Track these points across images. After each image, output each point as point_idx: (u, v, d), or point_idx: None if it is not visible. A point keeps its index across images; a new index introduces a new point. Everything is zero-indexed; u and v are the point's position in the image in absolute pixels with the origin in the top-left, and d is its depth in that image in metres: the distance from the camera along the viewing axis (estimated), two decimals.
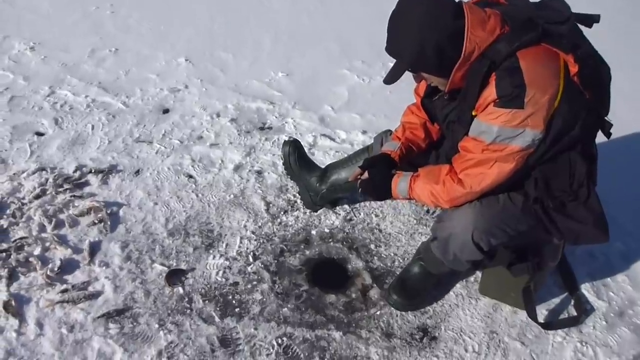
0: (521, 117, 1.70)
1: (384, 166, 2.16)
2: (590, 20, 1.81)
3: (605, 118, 1.88)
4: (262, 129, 3.30)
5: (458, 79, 1.79)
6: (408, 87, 2.20)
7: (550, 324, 2.21)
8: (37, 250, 2.42)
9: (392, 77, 1.84)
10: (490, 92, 1.73)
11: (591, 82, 1.74)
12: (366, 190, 2.20)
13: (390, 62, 1.86)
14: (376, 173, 2.15)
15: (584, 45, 1.77)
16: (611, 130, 1.88)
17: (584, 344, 2.15)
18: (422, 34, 1.72)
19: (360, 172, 2.22)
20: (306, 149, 3.05)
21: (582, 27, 1.83)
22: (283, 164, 2.71)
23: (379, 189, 2.13)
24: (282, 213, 2.70)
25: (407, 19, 1.75)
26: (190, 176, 2.90)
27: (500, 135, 1.74)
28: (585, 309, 2.27)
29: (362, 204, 2.76)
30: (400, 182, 2.06)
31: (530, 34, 1.70)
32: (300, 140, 2.72)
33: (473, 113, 1.81)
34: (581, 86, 1.72)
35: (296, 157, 2.65)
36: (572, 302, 2.30)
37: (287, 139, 2.93)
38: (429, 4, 1.72)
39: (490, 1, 1.86)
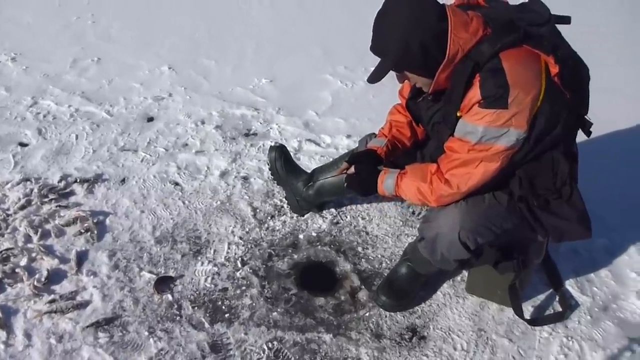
0: (505, 117, 1.73)
1: (370, 162, 2.19)
2: (565, 20, 1.85)
3: (585, 117, 1.92)
4: (247, 135, 3.32)
5: (442, 80, 1.82)
6: (391, 91, 2.23)
7: (537, 320, 2.24)
8: (23, 261, 2.41)
9: (376, 76, 1.85)
10: (475, 93, 1.76)
11: (571, 83, 1.77)
12: (352, 185, 2.21)
13: (372, 67, 1.88)
14: (363, 168, 2.18)
15: (564, 46, 1.81)
16: (591, 129, 1.93)
17: (569, 338, 2.19)
18: (407, 33, 1.74)
19: (347, 166, 2.25)
20: (292, 154, 3.07)
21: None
22: (269, 169, 2.72)
23: (366, 184, 2.16)
24: (269, 218, 2.71)
25: (393, 19, 1.77)
26: (177, 184, 2.90)
27: (485, 135, 1.77)
28: (570, 305, 2.31)
29: (349, 207, 2.78)
30: (387, 178, 2.07)
31: (512, 35, 1.73)
32: (285, 146, 2.74)
33: (458, 114, 1.84)
34: (562, 86, 1.75)
35: (282, 162, 2.66)
36: (557, 298, 2.34)
37: (272, 144, 2.94)
38: (415, 5, 1.75)
39: (471, 3, 1.90)
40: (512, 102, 1.71)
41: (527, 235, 2.05)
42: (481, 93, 1.74)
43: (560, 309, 2.29)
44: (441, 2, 1.81)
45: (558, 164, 1.87)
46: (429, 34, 1.73)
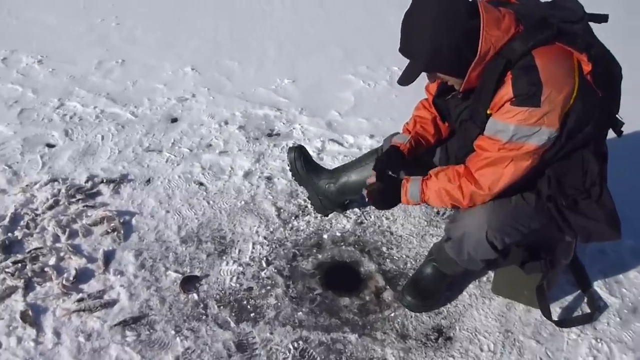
0: (537, 115, 1.70)
1: (389, 177, 2.13)
2: (601, 18, 1.83)
3: (617, 116, 1.89)
4: (270, 135, 3.33)
5: (473, 79, 1.80)
6: (414, 91, 2.20)
7: (565, 322, 2.22)
8: (52, 260, 2.44)
9: (407, 79, 1.84)
10: (507, 91, 1.73)
11: (603, 81, 1.74)
12: (375, 202, 2.16)
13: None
14: (387, 190, 2.11)
15: (597, 44, 1.79)
16: (622, 129, 1.90)
17: (598, 340, 2.16)
18: (437, 33, 1.73)
19: (374, 182, 2.15)
20: (314, 154, 3.09)
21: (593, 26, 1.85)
22: (290, 170, 2.73)
23: (389, 199, 2.11)
24: (293, 218, 2.72)
25: (422, 18, 1.75)
26: (201, 184, 2.92)
27: (516, 133, 1.75)
28: (598, 306, 2.28)
29: (373, 207, 2.77)
30: (410, 187, 2.03)
31: (545, 32, 1.71)
32: (307, 146, 2.74)
33: (488, 112, 1.82)
34: (594, 85, 1.72)
35: (302, 161, 2.67)
36: (585, 299, 2.31)
37: (291, 145, 2.95)
38: (444, 3, 1.73)
39: (501, 0, 1.88)
40: (545, 100, 1.68)
41: (554, 235, 2.02)
42: (513, 91, 1.72)
43: (589, 311, 2.26)
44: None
45: (588, 164, 1.84)
46: (460, 33, 1.71)
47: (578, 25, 1.76)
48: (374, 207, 2.74)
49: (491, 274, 2.39)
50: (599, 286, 2.37)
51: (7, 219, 2.62)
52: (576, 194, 1.89)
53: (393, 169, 2.20)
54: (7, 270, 2.36)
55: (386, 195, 2.12)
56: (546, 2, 1.87)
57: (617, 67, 1.83)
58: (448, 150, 2.26)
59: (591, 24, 1.84)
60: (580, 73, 1.71)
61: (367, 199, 2.17)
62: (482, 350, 2.14)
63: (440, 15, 1.72)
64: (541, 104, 1.69)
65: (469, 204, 1.94)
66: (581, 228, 1.95)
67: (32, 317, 2.20)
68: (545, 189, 1.90)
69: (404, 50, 1.83)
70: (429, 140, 2.26)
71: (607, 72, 1.77)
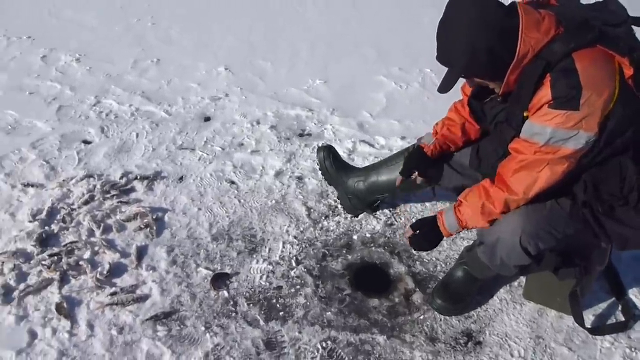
0: (576, 119, 1.67)
1: (429, 222, 2.09)
2: None
3: None
4: (301, 135, 3.34)
5: (512, 82, 1.78)
6: (447, 94, 2.19)
7: (598, 329, 2.18)
8: (86, 254, 2.49)
9: (446, 86, 1.82)
10: (545, 93, 1.70)
11: None
12: (419, 247, 2.20)
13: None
14: (425, 231, 2.09)
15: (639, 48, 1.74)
16: None
17: (633, 349, 2.11)
18: (472, 38, 1.71)
19: (411, 231, 2.13)
20: (345, 155, 3.09)
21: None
22: (319, 169, 2.74)
23: (430, 239, 2.10)
24: (323, 218, 2.73)
25: (456, 25, 1.74)
26: (233, 182, 2.95)
27: (553, 137, 1.72)
28: (633, 314, 2.23)
29: (403, 208, 2.77)
30: (445, 219, 2.01)
31: (587, 35, 1.68)
32: (338, 147, 2.74)
33: (525, 114, 1.79)
34: (635, 89, 1.69)
35: (331, 160, 2.69)
36: (620, 307, 2.27)
37: (320, 145, 2.96)
38: (478, 7, 1.72)
39: (541, 1, 1.85)
40: (584, 104, 1.65)
41: (589, 242, 1.98)
42: (552, 93, 1.69)
43: (623, 319, 2.21)
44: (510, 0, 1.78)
45: (626, 170, 1.79)
46: (494, 33, 1.70)
47: (620, 28, 1.72)
48: (403, 209, 2.75)
49: (523, 278, 2.35)
50: (633, 294, 2.32)
51: (44, 212, 2.68)
52: (613, 200, 1.85)
53: (420, 169, 2.27)
54: (43, 262, 2.42)
55: (426, 238, 2.11)
56: (589, 4, 1.83)
57: None
58: (479, 152, 2.23)
59: (635, 28, 1.80)
60: (621, 77, 1.68)
61: (412, 247, 2.20)
62: (512, 355, 2.11)
63: (475, 19, 1.71)
64: (580, 107, 1.66)
65: (502, 211, 1.90)
66: (617, 235, 1.91)
67: (67, 309, 2.25)
68: (581, 194, 1.86)
69: (440, 58, 1.83)
70: (456, 143, 2.26)
71: None
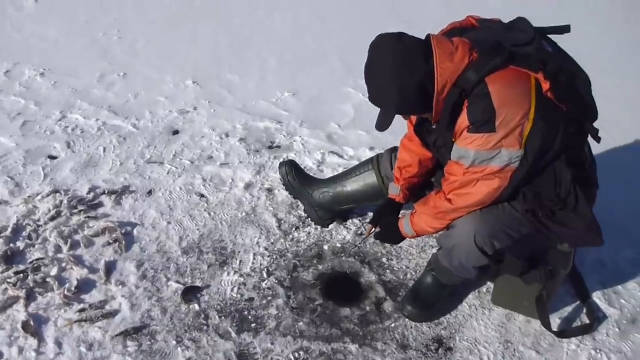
0: (494, 140, 1.77)
1: (390, 215, 2.32)
2: (562, 30, 1.89)
3: (593, 124, 1.92)
4: (270, 147, 3.35)
5: (439, 111, 1.86)
6: None
7: (564, 332, 2.23)
8: (53, 271, 2.45)
9: (382, 125, 1.93)
10: (463, 119, 1.81)
11: (566, 95, 1.79)
12: (383, 241, 2.40)
13: None
14: (385, 225, 2.31)
15: (554, 60, 1.81)
16: (599, 135, 1.92)
17: (598, 351, 2.17)
18: (398, 80, 1.80)
19: (371, 227, 2.39)
20: (315, 166, 3.12)
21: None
22: (283, 184, 2.76)
23: (392, 238, 2.30)
24: (293, 229, 2.74)
25: (382, 70, 1.82)
26: (202, 195, 2.94)
27: (477, 158, 1.83)
28: (597, 317, 2.29)
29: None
30: (404, 224, 2.18)
31: (498, 57, 1.76)
32: (307, 158, 2.74)
33: (452, 139, 1.91)
34: (556, 100, 1.76)
35: (294, 174, 2.72)
36: (585, 310, 2.32)
37: (281, 160, 2.99)
38: (398, 50, 1.80)
39: (463, 26, 1.94)
40: (500, 125, 1.75)
41: (546, 242, 2.06)
42: (469, 119, 1.79)
43: (588, 321, 2.27)
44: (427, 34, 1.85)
45: (561, 174, 1.88)
46: (420, 76, 1.79)
47: (530, 46, 1.80)
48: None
49: (491, 284, 2.40)
50: (597, 297, 2.38)
51: (9, 229, 2.63)
52: (552, 204, 1.93)
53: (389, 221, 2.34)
54: (8, 280, 2.38)
55: (388, 236, 2.31)
56: (504, 24, 1.92)
57: (581, 75, 1.88)
58: (433, 179, 2.37)
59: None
60: (538, 92, 1.75)
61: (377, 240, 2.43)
62: None
63: (397, 62, 1.79)
64: (496, 129, 1.75)
65: (446, 222, 2.04)
66: (565, 235, 2.00)
67: (34, 327, 2.21)
68: (521, 204, 1.95)
69: (372, 100, 1.93)
70: (419, 180, 2.34)
71: (569, 85, 1.82)
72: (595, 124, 1.93)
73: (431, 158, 2.27)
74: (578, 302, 2.37)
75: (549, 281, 2.10)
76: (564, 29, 1.89)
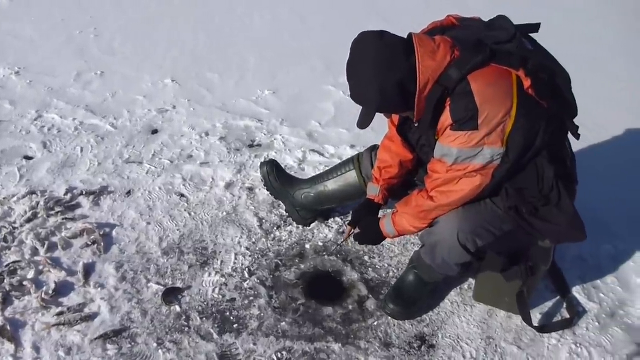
0: (477, 137, 1.78)
1: (369, 216, 2.31)
2: (533, 28, 1.90)
3: (573, 121, 1.94)
4: (251, 146, 3.33)
5: (421, 110, 1.86)
6: None
7: (545, 327, 2.25)
8: (30, 274, 2.40)
9: (363, 123, 1.93)
10: (446, 117, 1.82)
11: (547, 91, 1.81)
12: (362, 242, 2.34)
13: None
14: (364, 225, 2.30)
15: (534, 57, 1.82)
16: (579, 132, 1.95)
17: (578, 345, 2.19)
18: (380, 80, 1.80)
19: (351, 228, 2.38)
20: (296, 164, 3.10)
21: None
22: (264, 185, 2.74)
23: (372, 237, 2.27)
24: (275, 228, 2.72)
25: (363, 68, 1.82)
26: (182, 195, 2.91)
27: (460, 155, 1.83)
28: (577, 311, 2.31)
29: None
30: (385, 224, 2.18)
31: (479, 56, 1.77)
32: (288, 156, 2.72)
33: (435, 137, 1.92)
34: (537, 97, 1.78)
35: (275, 174, 2.69)
36: (565, 304, 2.35)
37: (262, 160, 2.97)
38: (380, 47, 1.80)
39: (444, 25, 1.94)
40: (482, 122, 1.76)
41: (528, 239, 2.07)
42: (451, 117, 1.80)
43: (568, 316, 2.29)
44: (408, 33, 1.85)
45: (543, 170, 1.90)
46: (401, 74, 1.78)
47: (511, 43, 1.81)
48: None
49: (472, 281, 2.41)
50: (577, 292, 2.41)
51: None
52: (535, 201, 1.95)
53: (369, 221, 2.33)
54: None
55: (368, 237, 2.29)
56: (484, 22, 1.92)
57: (561, 73, 1.89)
58: (416, 180, 2.36)
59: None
60: (519, 89, 1.77)
61: (356, 242, 2.37)
62: (464, 357, 2.16)
63: (379, 61, 1.79)
64: (479, 127, 1.76)
65: (427, 221, 2.05)
66: (548, 231, 2.02)
67: (10, 331, 2.17)
68: (504, 200, 1.96)
69: (355, 99, 1.93)
70: (399, 180, 2.34)
71: (550, 82, 1.83)
72: (574, 121, 1.95)
73: (412, 159, 2.27)
74: (558, 297, 2.39)
75: (530, 277, 2.12)
76: (533, 28, 1.90)
